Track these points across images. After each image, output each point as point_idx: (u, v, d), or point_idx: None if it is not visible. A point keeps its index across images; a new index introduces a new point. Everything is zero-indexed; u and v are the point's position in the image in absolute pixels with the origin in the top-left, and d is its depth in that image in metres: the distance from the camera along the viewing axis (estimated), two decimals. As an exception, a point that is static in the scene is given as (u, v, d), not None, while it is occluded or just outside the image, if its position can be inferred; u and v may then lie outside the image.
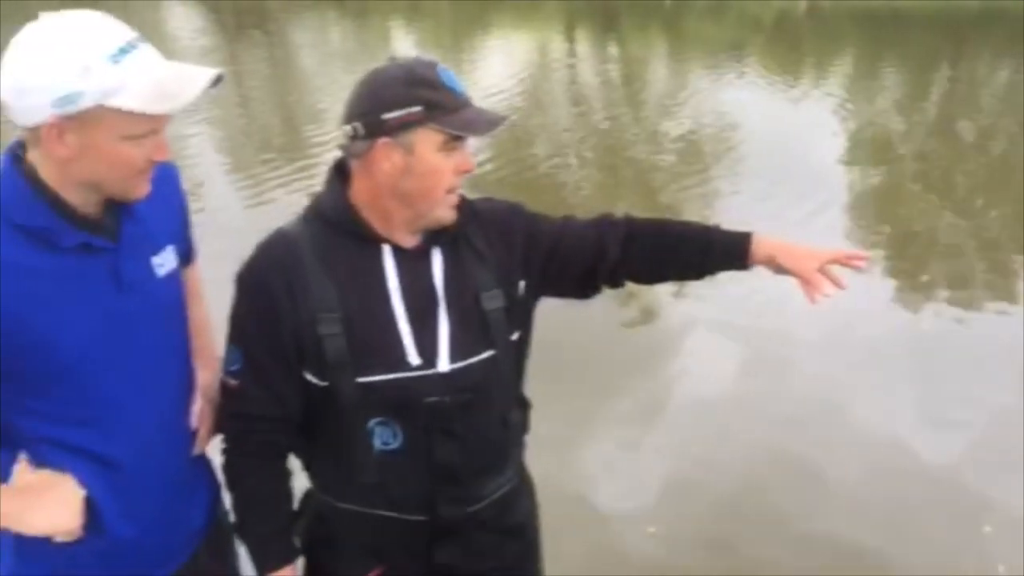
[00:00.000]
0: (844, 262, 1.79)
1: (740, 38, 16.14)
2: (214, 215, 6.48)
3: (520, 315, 1.76)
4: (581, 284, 1.84)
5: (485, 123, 1.60)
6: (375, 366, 1.61)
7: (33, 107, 1.36)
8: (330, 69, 14.00)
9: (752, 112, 10.15)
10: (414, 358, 1.62)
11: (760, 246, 1.79)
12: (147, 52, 1.41)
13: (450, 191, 1.62)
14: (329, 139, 9.17)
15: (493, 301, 1.69)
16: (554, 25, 17.89)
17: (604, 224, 1.83)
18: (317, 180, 7.38)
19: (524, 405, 1.84)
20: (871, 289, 5.40)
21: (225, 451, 1.73)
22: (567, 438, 3.91)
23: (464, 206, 1.69)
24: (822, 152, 8.60)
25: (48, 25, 1.38)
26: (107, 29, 1.39)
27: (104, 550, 1.58)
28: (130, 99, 1.37)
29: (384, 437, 1.65)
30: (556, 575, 2.07)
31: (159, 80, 1.40)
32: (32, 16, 1.41)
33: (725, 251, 1.81)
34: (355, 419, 1.64)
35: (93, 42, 1.36)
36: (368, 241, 1.64)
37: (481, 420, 1.70)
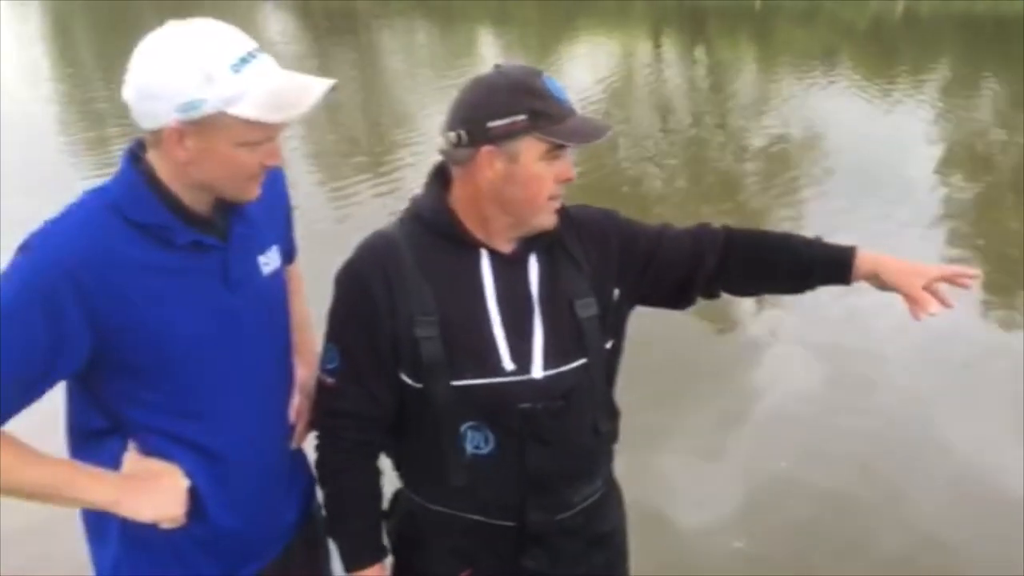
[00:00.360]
0: (951, 280, 1.72)
1: (832, 43, 15.81)
2: (301, 217, 6.60)
3: (613, 324, 1.75)
4: (676, 294, 1.83)
5: (589, 132, 1.60)
6: (470, 370, 1.62)
7: (157, 111, 1.42)
8: (417, 75, 14.17)
9: (843, 119, 9.93)
10: (508, 363, 1.63)
11: (863, 262, 1.75)
12: (266, 62, 1.46)
13: (552, 199, 1.63)
14: (414, 144, 9.30)
15: (587, 309, 1.68)
16: (641, 29, 17.80)
17: (702, 233, 1.81)
18: (402, 185, 7.49)
19: (614, 413, 1.82)
20: (964, 305, 5.20)
21: (319, 447, 1.76)
22: (646, 446, 3.87)
23: (561, 213, 1.69)
24: (916, 162, 8.36)
25: (174, 33, 1.44)
26: (229, 39, 1.44)
27: (204, 539, 1.63)
28: (249, 108, 1.42)
29: (476, 441, 1.66)
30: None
31: (277, 90, 1.45)
32: (149, 22, 1.46)
33: (826, 266, 1.78)
34: (448, 422, 1.65)
35: (216, 51, 1.41)
36: (466, 246, 1.65)
37: (572, 427, 1.70)
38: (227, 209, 1.57)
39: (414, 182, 7.99)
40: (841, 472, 3.86)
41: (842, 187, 7.70)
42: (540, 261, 1.69)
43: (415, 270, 1.63)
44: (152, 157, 1.50)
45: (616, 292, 1.74)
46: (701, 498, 3.71)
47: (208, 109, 1.41)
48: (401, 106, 11.67)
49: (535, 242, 1.68)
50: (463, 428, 1.65)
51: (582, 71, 13.41)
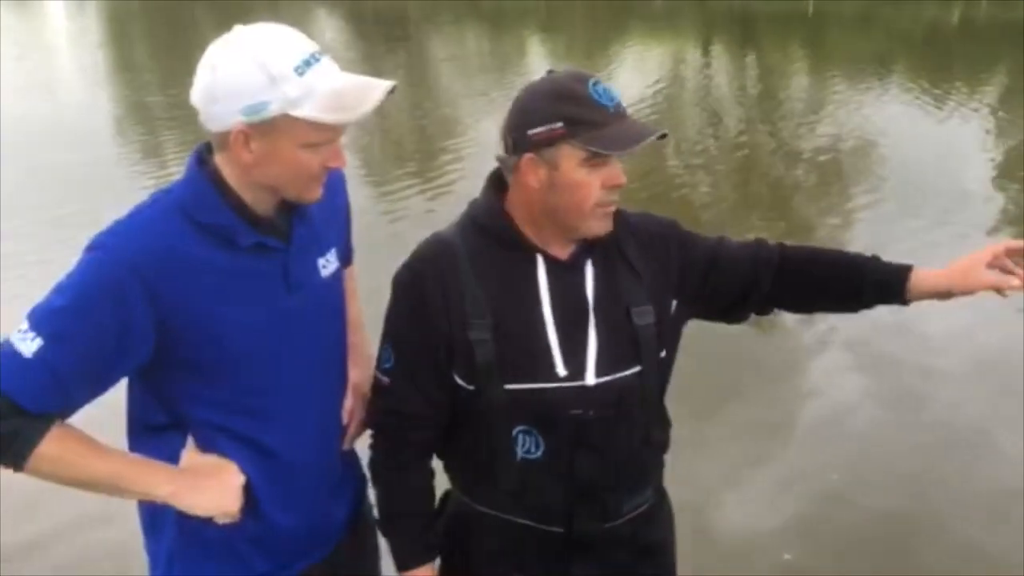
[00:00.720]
0: (1012, 251, 1.71)
1: (887, 50, 15.59)
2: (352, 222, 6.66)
3: (669, 333, 1.73)
4: (730, 309, 1.82)
5: (630, 139, 1.55)
6: (522, 375, 1.62)
7: (223, 114, 1.45)
8: (466, 80, 14.23)
9: (897, 128, 9.78)
10: (561, 369, 1.62)
11: (923, 281, 1.73)
12: (328, 64, 1.48)
13: (600, 205, 1.60)
14: (462, 150, 9.34)
15: (644, 317, 1.67)
16: (690, 35, 17.70)
17: (758, 251, 1.79)
18: (450, 191, 7.52)
19: (666, 423, 1.81)
20: (1020, 318, 5.11)
21: (373, 447, 1.78)
22: (694, 455, 3.84)
23: (619, 218, 1.68)
24: (972, 170, 8.22)
25: (238, 37, 1.47)
26: (292, 41, 1.47)
27: (258, 535, 1.66)
28: (312, 109, 1.45)
29: (527, 446, 1.66)
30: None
31: (339, 91, 1.47)
32: (204, 26, 1.49)
33: (880, 285, 1.75)
34: (500, 425, 1.66)
35: (280, 54, 1.44)
36: (522, 250, 1.65)
37: (623, 436, 1.69)
38: (290, 211, 1.59)
39: (463, 188, 8.06)
40: (892, 486, 3.80)
41: (895, 196, 7.59)
42: (596, 267, 1.67)
43: (470, 273, 1.64)
44: (219, 160, 1.53)
45: (674, 303, 1.73)
46: (749, 508, 3.68)
47: (272, 111, 1.43)
48: (450, 112, 11.72)
49: (592, 248, 1.67)
50: (515, 432, 1.65)
51: (631, 77, 13.38)
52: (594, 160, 1.55)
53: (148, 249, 1.47)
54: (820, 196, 7.97)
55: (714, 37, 17.75)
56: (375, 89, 1.49)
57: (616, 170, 1.59)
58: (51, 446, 1.45)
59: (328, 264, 1.68)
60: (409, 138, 10.72)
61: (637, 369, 1.67)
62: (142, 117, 11.28)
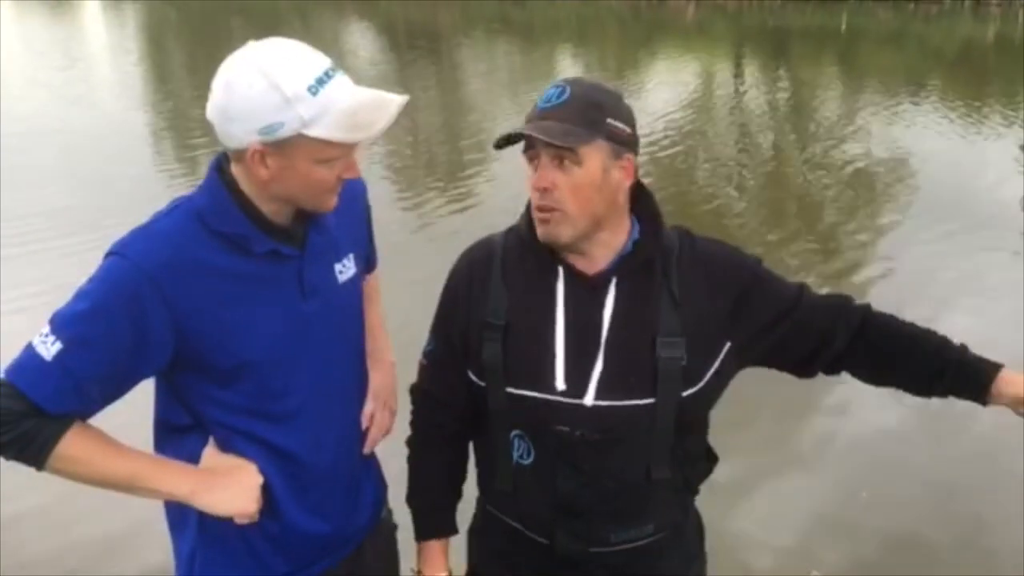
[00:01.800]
0: None
1: (920, 67, 15.49)
2: (377, 231, 6.70)
3: (704, 371, 1.64)
4: (799, 364, 1.75)
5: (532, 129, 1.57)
6: (523, 380, 1.64)
7: (238, 133, 1.47)
8: (497, 93, 14.27)
9: (929, 146, 9.71)
10: (560, 383, 1.61)
11: (1008, 386, 1.62)
12: (341, 81, 1.49)
13: (537, 208, 1.60)
14: (492, 162, 9.36)
15: (671, 348, 1.61)
16: (722, 50, 17.66)
17: (840, 309, 1.72)
18: (479, 202, 7.51)
19: (684, 462, 1.72)
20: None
21: (411, 423, 1.84)
22: (721, 468, 3.82)
23: (653, 241, 1.65)
24: (1006, 191, 8.12)
25: (251, 56, 1.47)
26: (306, 59, 1.48)
27: (275, 536, 1.68)
28: (326, 129, 1.46)
29: (520, 451, 1.68)
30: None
31: (353, 110, 1.48)
32: (239, 38, 1.51)
33: (959, 379, 1.67)
34: (500, 426, 1.69)
35: (293, 74, 1.45)
36: (548, 261, 1.65)
37: (616, 464, 1.64)
38: (305, 219, 1.62)
39: (491, 199, 8.08)
40: (919, 504, 3.77)
41: (927, 213, 7.52)
42: (624, 288, 1.63)
43: (499, 277, 1.68)
44: (235, 170, 1.55)
45: (727, 344, 1.66)
46: (776, 524, 3.65)
47: (286, 132, 1.45)
48: (480, 124, 11.77)
49: (627, 268, 1.64)
50: (511, 435, 1.68)
51: (662, 90, 13.36)
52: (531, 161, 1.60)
53: (165, 256, 1.50)
54: (851, 212, 7.91)
55: (746, 52, 17.70)
56: (389, 105, 1.50)
57: (539, 174, 1.58)
58: (70, 446, 1.49)
59: (345, 270, 1.70)
60: (439, 150, 10.77)
61: (649, 401, 1.61)
62: (180, 128, 11.43)
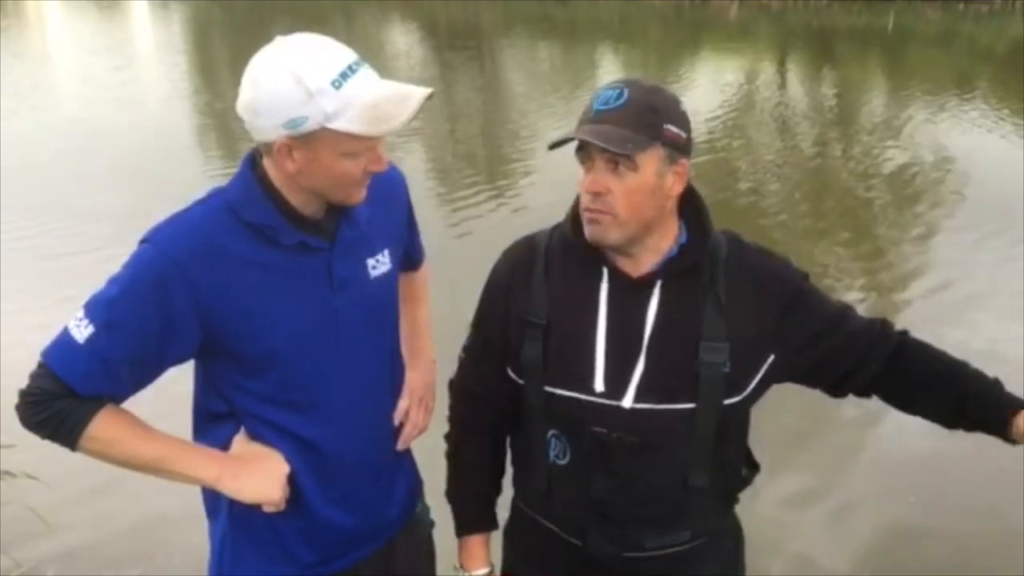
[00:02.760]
0: None
1: (968, 68, 15.22)
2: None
3: (746, 382, 1.63)
4: (832, 384, 1.73)
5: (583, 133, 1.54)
6: (562, 380, 1.64)
7: (265, 127, 1.50)
8: (539, 92, 14.26)
9: (977, 148, 9.54)
10: (599, 385, 1.60)
11: None
12: (365, 75, 1.51)
13: (585, 209, 1.58)
14: (533, 161, 9.36)
15: (714, 354, 1.58)
16: (766, 50, 17.49)
17: (879, 333, 1.69)
18: (519, 202, 7.47)
19: (723, 470, 1.72)
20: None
21: (448, 419, 1.85)
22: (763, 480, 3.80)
23: (700, 245, 1.63)
24: (1056, 195, 7.95)
25: (277, 51, 1.50)
26: (330, 54, 1.50)
27: (303, 526, 1.71)
28: (349, 122, 1.48)
29: (557, 450, 1.68)
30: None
31: (376, 103, 1.50)
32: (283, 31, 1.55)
33: (980, 411, 1.62)
34: (537, 425, 1.69)
35: (317, 68, 1.47)
36: (592, 261, 1.64)
37: (652, 470, 1.63)
38: (337, 213, 1.63)
39: (532, 199, 8.09)
40: (967, 511, 3.73)
41: (973, 220, 7.38)
42: (670, 292, 1.61)
43: (541, 275, 1.67)
44: (266, 163, 1.59)
45: (771, 357, 1.64)
46: (820, 533, 3.64)
47: (311, 125, 1.47)
48: (522, 123, 11.76)
49: (673, 271, 1.62)
50: (548, 434, 1.68)
51: (705, 91, 13.27)
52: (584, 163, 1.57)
53: (194, 245, 1.53)
54: (894, 215, 7.80)
55: (790, 52, 17.52)
56: (411, 98, 1.51)
57: (589, 176, 1.56)
58: (101, 427, 1.54)
59: (379, 265, 1.71)
60: (480, 149, 10.79)
61: (689, 406, 1.59)
62: (231, 131, 11.58)
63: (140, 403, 1.59)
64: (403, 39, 20.28)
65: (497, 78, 16.23)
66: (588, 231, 1.59)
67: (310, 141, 1.49)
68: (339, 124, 1.47)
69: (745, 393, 1.63)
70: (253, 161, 1.61)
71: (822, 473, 4.07)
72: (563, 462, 1.68)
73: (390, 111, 1.50)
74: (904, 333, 1.71)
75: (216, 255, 1.54)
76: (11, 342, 4.44)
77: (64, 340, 1.52)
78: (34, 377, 1.54)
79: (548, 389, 1.64)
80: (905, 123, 11.24)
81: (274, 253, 1.58)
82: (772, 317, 1.63)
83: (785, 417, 4.37)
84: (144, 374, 1.57)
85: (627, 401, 1.60)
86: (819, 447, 4.28)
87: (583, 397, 1.61)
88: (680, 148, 1.56)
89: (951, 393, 1.65)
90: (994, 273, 6.23)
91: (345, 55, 1.50)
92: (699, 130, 10.41)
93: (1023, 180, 8.34)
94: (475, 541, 1.81)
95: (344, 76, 1.47)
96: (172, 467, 1.61)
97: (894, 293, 6.21)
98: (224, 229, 1.56)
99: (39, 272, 6.33)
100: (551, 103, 12.86)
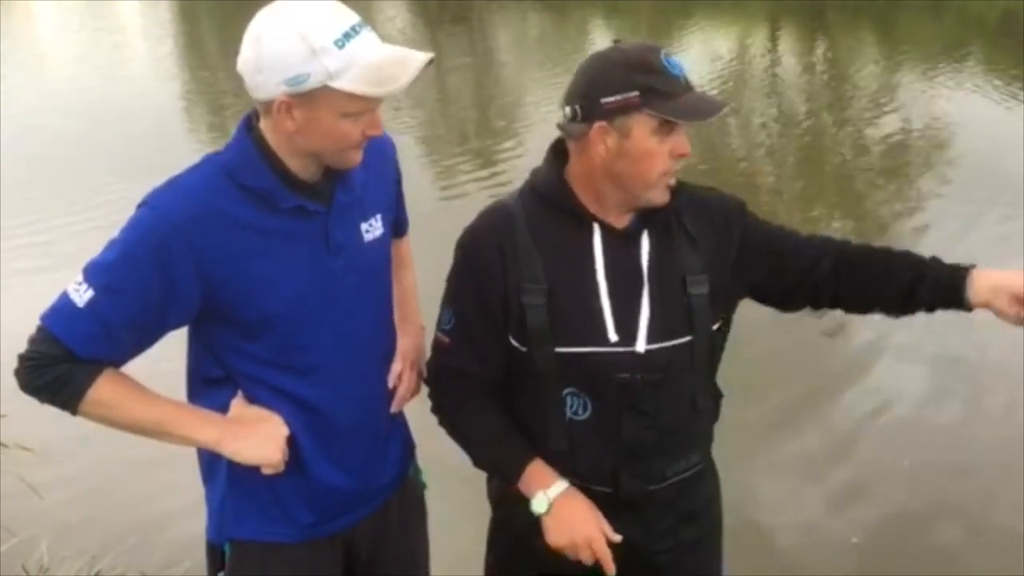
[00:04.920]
0: None
1: (960, 37, 15.15)
2: (408, 200, 6.70)
3: (723, 306, 1.76)
4: (785, 295, 1.83)
5: (703, 110, 1.61)
6: (574, 339, 1.67)
7: (266, 84, 1.51)
8: (529, 65, 14.19)
9: (969, 118, 9.51)
10: (613, 335, 1.66)
11: (984, 279, 1.67)
12: (368, 37, 1.52)
13: (665, 174, 1.64)
14: (523, 134, 9.33)
15: (699, 286, 1.69)
16: (757, 19, 17.39)
17: (821, 241, 1.82)
18: (510, 172, 7.48)
19: (714, 393, 1.84)
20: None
21: (434, 401, 1.83)
22: (760, 451, 3.84)
23: (682, 190, 1.71)
24: (1047, 164, 7.94)
25: (283, 9, 1.50)
26: (334, 14, 1.51)
27: (303, 489, 1.73)
28: (351, 82, 1.49)
29: (575, 407, 1.70)
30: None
31: (378, 64, 1.51)
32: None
33: (937, 286, 1.72)
34: (550, 387, 1.71)
35: (321, 27, 1.48)
36: (579, 219, 1.68)
37: (670, 401, 1.71)
38: (333, 177, 1.64)
39: (523, 170, 8.03)
40: (958, 478, 3.79)
41: (966, 189, 7.37)
42: (653, 236, 1.70)
43: (528, 240, 1.68)
44: (264, 126, 1.59)
45: (732, 278, 1.75)
46: (815, 496, 3.69)
47: (313, 83, 1.48)
48: (511, 96, 11.71)
49: (650, 218, 1.70)
50: (564, 393, 1.70)
51: (696, 60, 13.18)
52: (664, 129, 1.58)
53: (192, 209, 1.54)
54: (887, 184, 7.81)
55: (782, 21, 17.41)
56: (413, 61, 1.53)
57: (682, 139, 1.62)
58: (101, 391, 1.54)
59: (372, 229, 1.72)
60: (470, 121, 10.74)
61: (689, 338, 1.69)
62: (211, 105, 11.50)
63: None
64: (391, 10, 20.09)
65: (488, 51, 16.12)
66: (664, 195, 1.66)
67: (311, 100, 1.49)
68: (341, 83, 1.48)
69: (724, 317, 1.77)
70: (249, 124, 1.61)
71: (815, 452, 4.10)
72: (582, 417, 1.71)
73: (392, 72, 1.51)
74: (847, 240, 1.82)
75: (215, 219, 1.55)
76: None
77: (64, 304, 1.52)
78: (33, 341, 1.54)
79: (559, 350, 1.67)
80: (897, 91, 11.21)
81: (271, 217, 1.58)
82: (731, 241, 1.75)
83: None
84: (144, 337, 1.58)
85: (640, 345, 1.67)
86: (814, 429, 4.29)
87: (599, 350, 1.66)
88: None
89: (902, 279, 1.74)
90: (984, 237, 6.25)
91: (348, 16, 1.51)
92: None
93: (1015, 146, 8.34)
94: (534, 467, 1.73)
95: (347, 36, 1.48)
96: (172, 430, 1.62)
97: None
98: (222, 193, 1.56)
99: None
100: (541, 76, 12.76)
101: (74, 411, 1.56)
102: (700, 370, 1.76)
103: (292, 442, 1.67)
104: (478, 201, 6.93)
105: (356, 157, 1.61)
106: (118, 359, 1.58)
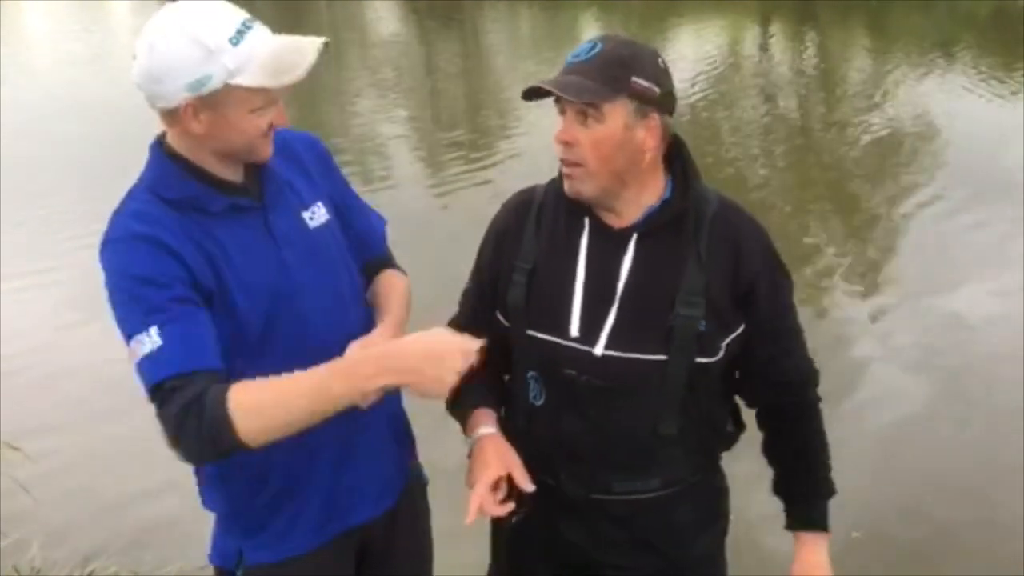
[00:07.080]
0: None
1: (951, 33, 15.18)
2: (400, 200, 6.70)
3: (720, 340, 1.66)
4: (732, 370, 1.79)
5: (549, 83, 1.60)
6: (542, 323, 1.70)
7: (168, 92, 1.50)
8: (520, 61, 14.16)
9: (959, 113, 9.54)
10: (574, 330, 1.67)
11: (797, 561, 1.83)
12: (261, 30, 1.53)
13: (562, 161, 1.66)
14: (514, 130, 9.32)
15: (690, 308, 1.62)
16: (749, 15, 17.40)
17: (798, 381, 1.82)
18: (504, 170, 7.43)
19: (705, 424, 1.75)
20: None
21: None
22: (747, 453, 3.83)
23: (681, 199, 1.67)
24: (1035, 157, 7.96)
25: (171, 15, 1.50)
26: (223, 13, 1.51)
27: (315, 486, 1.73)
28: (253, 77, 1.50)
29: (535, 391, 1.75)
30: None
31: (275, 55, 1.52)
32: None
33: (787, 513, 1.86)
34: (519, 366, 1.77)
35: (213, 27, 1.48)
36: (576, 211, 1.70)
37: (623, 416, 1.68)
38: (255, 173, 1.65)
39: (516, 167, 8.04)
40: (959, 477, 3.81)
41: (956, 185, 7.38)
42: (647, 244, 1.66)
43: (533, 223, 1.74)
44: (172, 137, 1.59)
45: (742, 325, 1.70)
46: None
47: (215, 83, 1.48)
48: (503, 93, 11.69)
49: (654, 225, 1.66)
50: (527, 376, 1.75)
51: (687, 54, 13.20)
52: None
53: (148, 228, 1.52)
54: (876, 179, 7.82)
55: (773, 15, 17.41)
56: (308, 48, 1.53)
57: (562, 127, 1.62)
58: (239, 396, 1.44)
59: (315, 216, 1.73)
60: (462, 119, 10.72)
61: (660, 358, 1.63)
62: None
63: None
64: (382, 9, 20.04)
65: (479, 48, 16.08)
66: (565, 186, 1.66)
67: (215, 100, 1.50)
68: (243, 79, 1.49)
69: (718, 356, 1.67)
70: (159, 143, 1.61)
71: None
72: (539, 403, 1.74)
73: (291, 61, 1.52)
74: (811, 404, 1.82)
75: (173, 233, 1.53)
76: None
77: (146, 361, 1.46)
78: (161, 405, 1.45)
79: (529, 332, 1.71)
80: (888, 86, 11.22)
81: (211, 223, 1.58)
82: (744, 285, 1.67)
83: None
84: (214, 328, 1.52)
85: (599, 348, 1.66)
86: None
87: (559, 341, 1.68)
88: (650, 101, 1.59)
89: (785, 482, 1.86)
90: (972, 232, 6.27)
91: (237, 13, 1.52)
92: (682, 96, 10.34)
93: (1004, 142, 8.38)
94: (475, 414, 1.76)
95: (240, 32, 1.49)
96: (332, 391, 1.46)
97: (871, 250, 6.26)
98: (164, 212, 1.55)
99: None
100: (533, 73, 12.76)
101: (236, 441, 1.43)
102: (671, 394, 1.66)
103: (292, 442, 1.62)
104: (470, 200, 6.94)
105: (267, 148, 1.61)
106: (218, 369, 1.49)
